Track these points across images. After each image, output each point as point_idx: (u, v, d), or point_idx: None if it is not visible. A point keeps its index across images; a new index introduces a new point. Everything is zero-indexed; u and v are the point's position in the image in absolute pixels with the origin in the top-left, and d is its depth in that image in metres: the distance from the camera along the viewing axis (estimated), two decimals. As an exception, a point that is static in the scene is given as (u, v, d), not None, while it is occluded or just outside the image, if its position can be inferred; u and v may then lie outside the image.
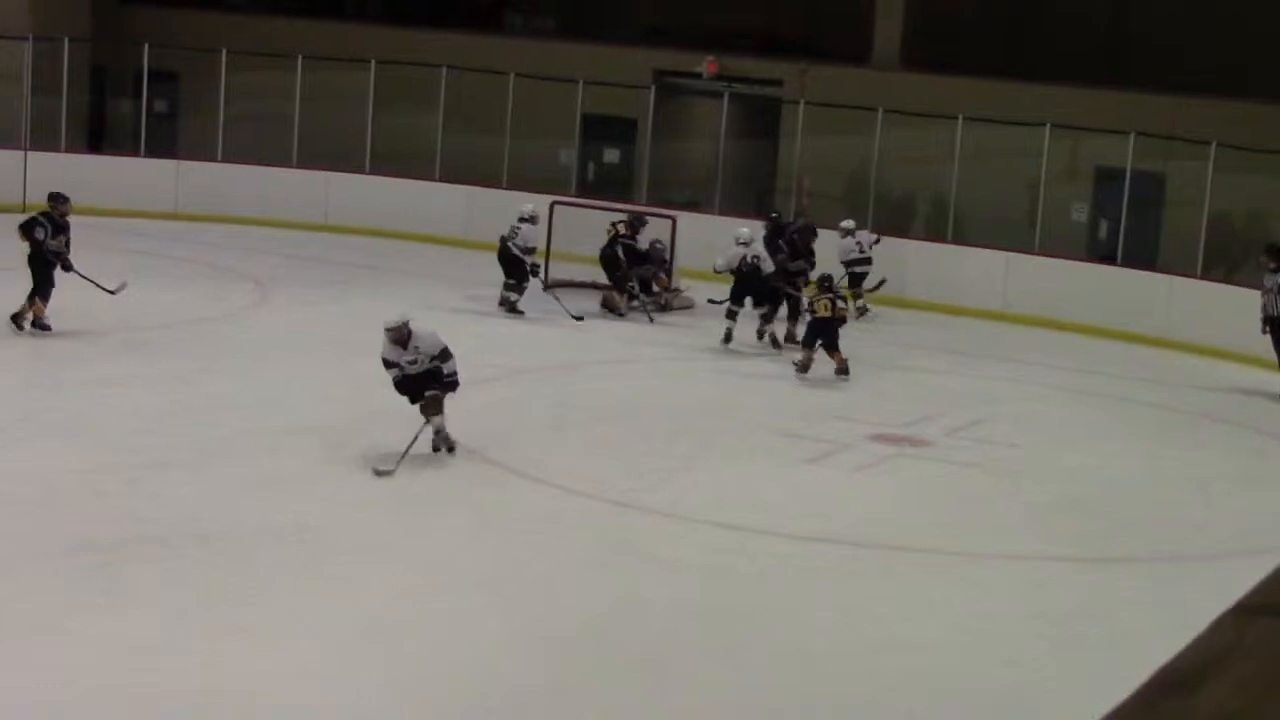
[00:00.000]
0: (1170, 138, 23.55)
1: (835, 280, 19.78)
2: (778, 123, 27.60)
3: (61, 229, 19.05)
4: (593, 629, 11.63)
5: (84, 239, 21.52)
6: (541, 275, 22.22)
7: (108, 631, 10.95)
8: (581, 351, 20.34)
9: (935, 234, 25.06)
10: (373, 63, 28.13)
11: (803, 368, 19.21)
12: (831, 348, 19.15)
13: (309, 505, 13.74)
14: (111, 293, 19.14)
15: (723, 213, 26.25)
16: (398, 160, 27.66)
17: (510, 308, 21.73)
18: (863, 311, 22.73)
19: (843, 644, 11.74)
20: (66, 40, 27.80)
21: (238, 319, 20.37)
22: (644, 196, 27.01)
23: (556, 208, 23.77)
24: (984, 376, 20.68)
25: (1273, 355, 20.17)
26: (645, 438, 16.63)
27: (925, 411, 18.36)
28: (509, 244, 21.76)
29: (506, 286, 21.80)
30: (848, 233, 23.25)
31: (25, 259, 18.94)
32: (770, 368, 20.21)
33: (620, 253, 22.35)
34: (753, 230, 21.44)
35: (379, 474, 14.54)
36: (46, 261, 18.79)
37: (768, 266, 20.80)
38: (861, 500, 15.19)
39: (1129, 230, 24.01)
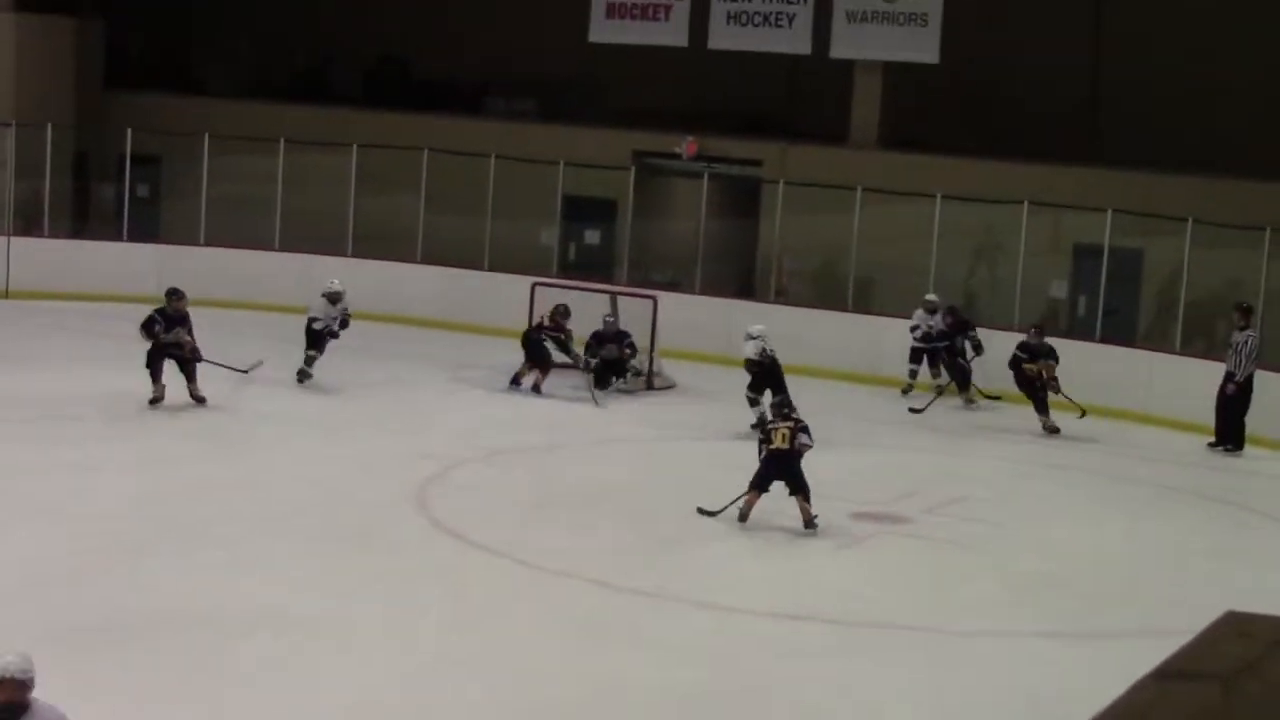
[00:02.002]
0: (1147, 214, 23.69)
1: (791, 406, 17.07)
2: (757, 202, 27.71)
3: (177, 321, 19.97)
4: (575, 712, 11.61)
5: (66, 324, 21.68)
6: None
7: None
8: (564, 432, 20.37)
9: (912, 311, 25.10)
10: (354, 146, 28.24)
11: (742, 516, 16.22)
12: (796, 489, 16.20)
13: (287, 588, 13.73)
14: (245, 372, 19.84)
15: (703, 292, 26.34)
16: (379, 242, 27.74)
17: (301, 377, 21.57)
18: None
19: (824, 723, 11.74)
20: (50, 126, 27.90)
21: (219, 402, 20.36)
22: (625, 276, 27.10)
23: (537, 289, 23.84)
24: (965, 454, 20.72)
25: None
26: (627, 518, 16.64)
27: (906, 489, 18.40)
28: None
29: (306, 360, 21.65)
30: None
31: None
32: (750, 448, 20.20)
33: (549, 343, 22.26)
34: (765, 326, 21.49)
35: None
36: (158, 353, 19.79)
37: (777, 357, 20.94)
38: (843, 579, 15.21)
39: (1108, 305, 24.14)
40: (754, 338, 20.95)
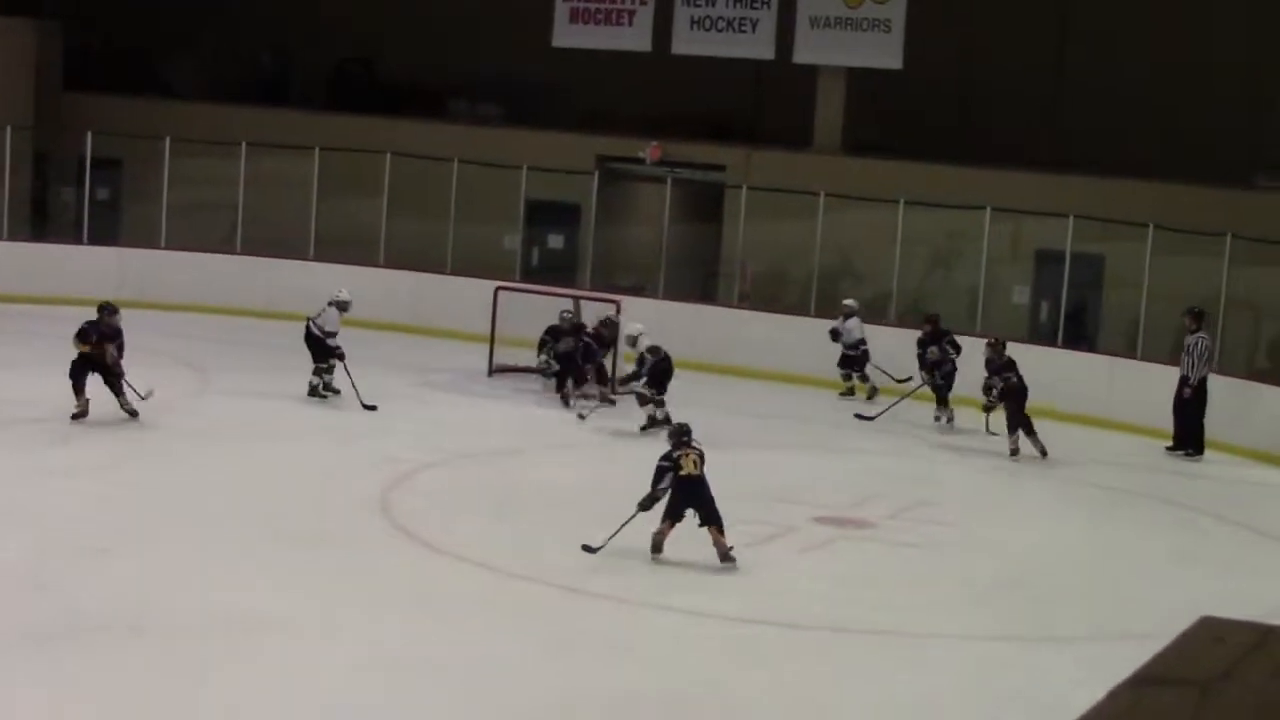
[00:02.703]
0: (1109, 220, 23.78)
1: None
2: (721, 207, 27.73)
3: (109, 337, 19.16)
4: (538, 716, 11.59)
5: (25, 327, 21.55)
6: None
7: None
8: (526, 436, 20.35)
9: (877, 317, 25.18)
10: (316, 149, 28.18)
11: (655, 548, 15.18)
12: (709, 519, 15.13)
13: (249, 593, 13.67)
14: (143, 398, 19.10)
15: (667, 297, 26.35)
16: (342, 246, 27.68)
17: (314, 391, 21.24)
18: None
19: (786, 727, 11.75)
20: (9, 128, 27.77)
21: (179, 406, 20.28)
22: (588, 281, 27.09)
23: (500, 294, 23.82)
24: (926, 458, 20.76)
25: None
26: (589, 523, 16.60)
27: (867, 493, 18.43)
28: (312, 324, 21.53)
29: (315, 371, 21.36)
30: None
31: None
32: (712, 454, 20.22)
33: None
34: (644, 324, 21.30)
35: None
36: (81, 366, 19.00)
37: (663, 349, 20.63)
38: (805, 582, 15.21)
39: (1069, 311, 24.24)
40: (634, 335, 20.91)
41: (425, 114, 30.86)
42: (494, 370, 23.33)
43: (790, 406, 22.98)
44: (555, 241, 28.94)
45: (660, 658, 12.85)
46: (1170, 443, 21.56)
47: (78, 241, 28.52)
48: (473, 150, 27.80)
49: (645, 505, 15.16)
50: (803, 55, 27.74)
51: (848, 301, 23.84)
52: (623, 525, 14.98)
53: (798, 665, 12.96)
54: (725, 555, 15.02)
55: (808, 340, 24.79)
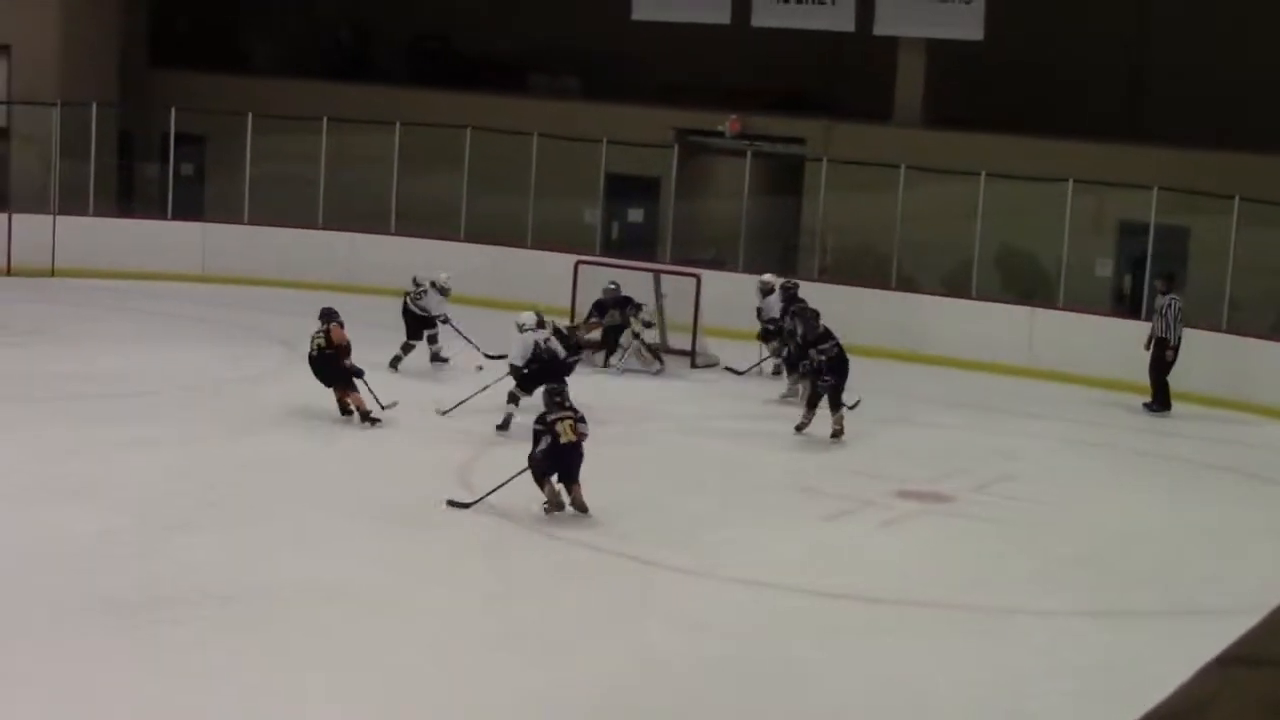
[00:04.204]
0: (1193, 192, 23.55)
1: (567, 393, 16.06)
2: (800, 180, 27.66)
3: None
4: (615, 688, 11.65)
5: (111, 303, 21.80)
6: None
7: (134, 694, 11.01)
8: (606, 409, 20.35)
9: (959, 290, 25.08)
10: (397, 124, 28.28)
11: (556, 506, 15.32)
12: (569, 478, 15.33)
13: (330, 566, 13.80)
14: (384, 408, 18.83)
15: (746, 270, 26.30)
16: (423, 221, 27.78)
17: (394, 363, 21.21)
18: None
19: (866, 701, 11.75)
20: (94, 105, 28.01)
21: (263, 380, 20.47)
22: (668, 255, 27.09)
23: (581, 267, 23.87)
24: (1007, 432, 20.68)
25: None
26: (668, 495, 16.66)
27: (948, 467, 18.37)
28: (411, 302, 21.55)
29: (404, 346, 21.36)
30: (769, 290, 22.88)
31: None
32: (789, 426, 20.23)
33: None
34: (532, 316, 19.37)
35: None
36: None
37: (562, 350, 19.02)
38: (885, 556, 15.21)
39: (1152, 284, 24.05)
40: (528, 329, 18.98)
41: (505, 88, 30.92)
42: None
43: (871, 380, 22.86)
44: (635, 215, 28.94)
45: (738, 631, 12.87)
46: (1148, 399, 21.83)
47: (162, 217, 28.74)
48: (552, 124, 27.83)
49: (531, 467, 15.22)
50: (883, 27, 27.60)
51: (765, 277, 23.31)
52: (502, 484, 15.15)
53: (877, 640, 12.96)
54: (583, 507, 15.27)
55: (889, 314, 24.74)
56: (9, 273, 26.80)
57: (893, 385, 22.61)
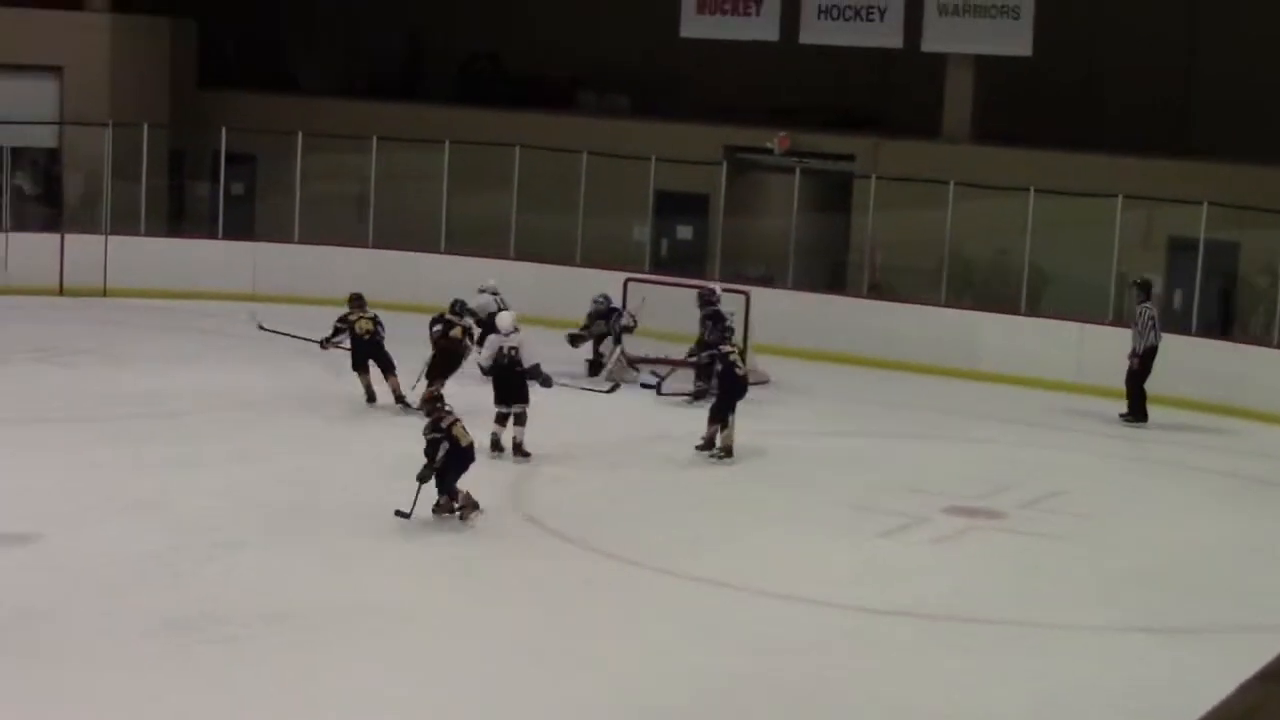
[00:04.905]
0: (1243, 207, 23.43)
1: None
2: (849, 197, 27.63)
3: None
4: (663, 706, 11.65)
5: (162, 322, 21.94)
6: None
7: (183, 713, 11.06)
8: (652, 426, 20.36)
9: (1009, 305, 25.01)
10: (447, 143, 28.36)
11: (465, 514, 15.49)
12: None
13: (381, 582, 13.86)
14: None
15: (796, 287, 26.30)
16: (473, 239, 27.85)
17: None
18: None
19: (919, 718, 11.71)
20: (145, 126, 28.18)
21: (312, 399, 20.53)
22: (717, 272, 27.09)
23: (630, 284, 23.88)
24: (1058, 447, 20.59)
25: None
26: (718, 513, 16.66)
27: (999, 483, 18.32)
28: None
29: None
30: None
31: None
32: (841, 443, 20.22)
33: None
34: (513, 317, 19.19)
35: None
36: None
37: (530, 358, 18.59)
38: (937, 573, 15.16)
39: (1203, 299, 23.93)
40: (502, 334, 18.79)
41: (554, 106, 31.00)
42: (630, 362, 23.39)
43: (920, 396, 22.87)
44: (684, 232, 28.94)
45: (791, 648, 12.85)
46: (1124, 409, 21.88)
47: (212, 236, 28.89)
48: (601, 142, 27.87)
49: (424, 478, 15.23)
50: (931, 43, 27.58)
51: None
52: (415, 496, 15.14)
53: (929, 657, 12.92)
54: (474, 507, 15.45)
55: (938, 330, 24.69)
56: (62, 292, 26.97)
57: (942, 401, 22.59)
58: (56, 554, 14.18)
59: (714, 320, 21.08)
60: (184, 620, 12.60)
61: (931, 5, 27.43)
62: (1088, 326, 23.74)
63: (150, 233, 28.30)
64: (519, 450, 18.12)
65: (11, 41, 29.38)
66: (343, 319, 20.53)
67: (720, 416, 18.82)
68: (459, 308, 20.96)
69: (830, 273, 27.82)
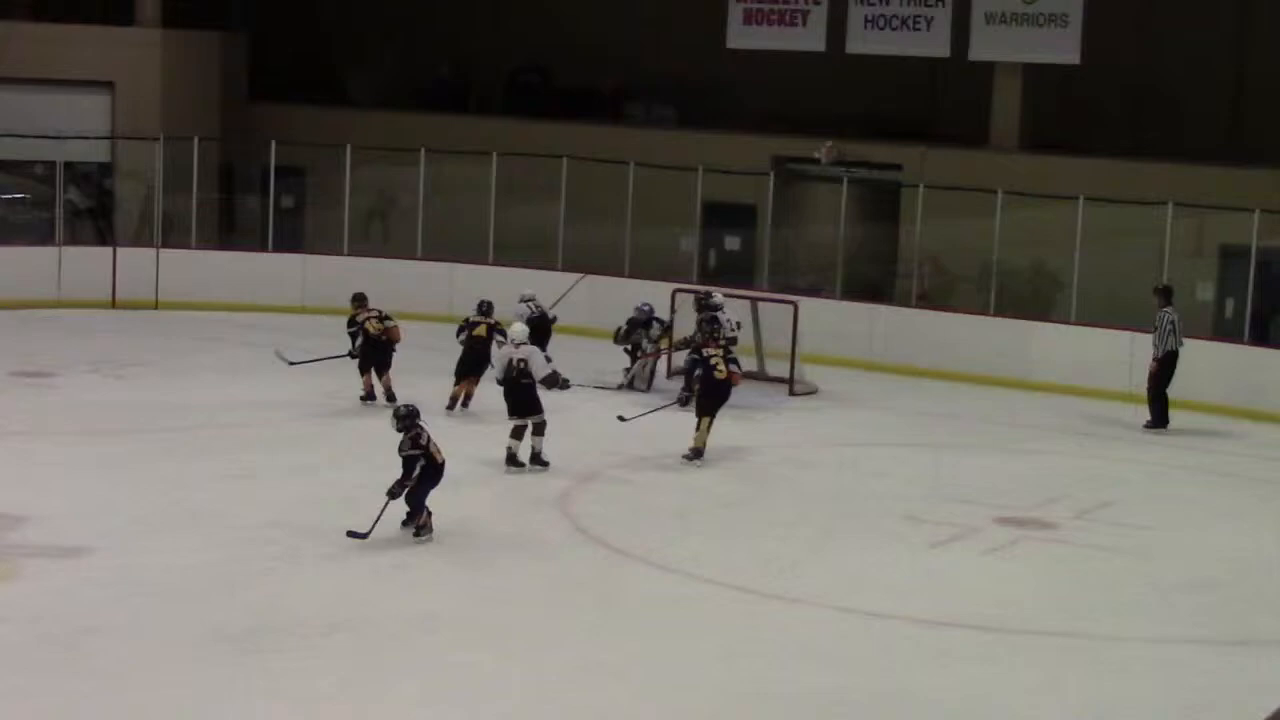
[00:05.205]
0: (1295, 215, 23.35)
1: None
2: (897, 206, 27.61)
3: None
4: (718, 718, 11.67)
5: (213, 334, 22.06)
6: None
7: (243, 722, 11.15)
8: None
9: (1058, 315, 24.93)
10: (494, 155, 28.44)
11: (426, 529, 15.39)
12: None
13: (438, 596, 13.92)
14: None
15: (844, 297, 26.29)
16: (520, 250, 27.92)
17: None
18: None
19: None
20: (196, 140, 28.35)
21: (364, 412, 20.61)
22: (765, 282, 27.09)
23: (678, 294, 23.90)
24: (1109, 457, 20.52)
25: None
26: (769, 524, 16.67)
27: (1051, 493, 18.27)
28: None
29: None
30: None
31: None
32: (891, 454, 20.20)
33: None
34: (521, 330, 19.02)
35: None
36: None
37: (539, 369, 18.32)
38: (990, 584, 15.14)
39: (1255, 307, 23.83)
40: (510, 344, 18.67)
41: (601, 118, 31.06)
42: (672, 373, 23.41)
43: (970, 406, 22.85)
44: (732, 243, 28.95)
45: (844, 660, 12.85)
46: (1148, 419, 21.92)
47: (263, 249, 29.03)
48: (648, 153, 27.90)
49: (395, 493, 15.15)
50: (978, 52, 27.56)
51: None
52: (380, 513, 15.03)
53: (981, 668, 12.89)
54: (427, 533, 15.27)
55: (987, 339, 24.65)
56: (114, 305, 27.17)
57: (993, 411, 22.56)
58: (113, 567, 14.27)
59: (711, 324, 21.09)
60: (242, 632, 12.67)
61: (979, 14, 27.41)
62: (1139, 335, 23.65)
63: (201, 245, 28.50)
64: (536, 459, 18.12)
65: (64, 57, 29.66)
66: (352, 321, 21.03)
67: (699, 418, 18.95)
68: (485, 308, 21.20)
69: (879, 282, 27.80)
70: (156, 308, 27.12)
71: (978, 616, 14.01)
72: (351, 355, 21.00)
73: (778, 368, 23.30)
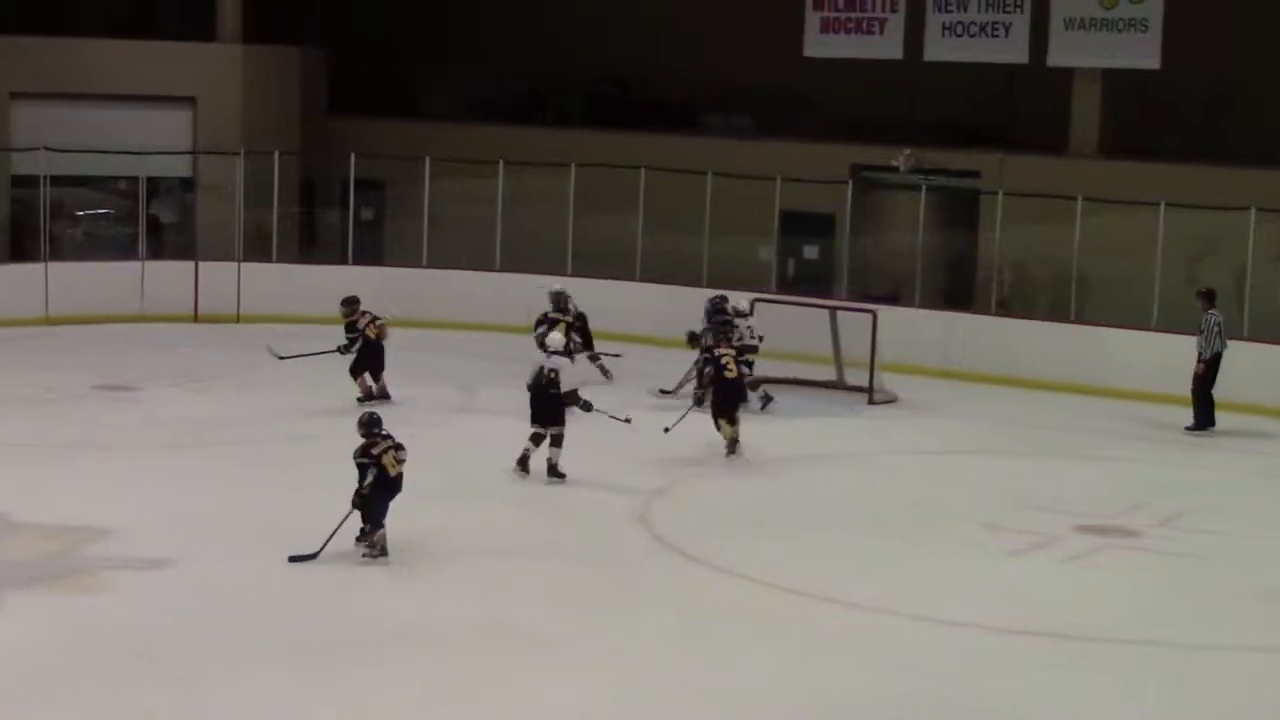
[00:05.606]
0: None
1: None
2: (976, 213, 27.51)
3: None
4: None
5: (295, 346, 22.17)
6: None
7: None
8: (782, 446, 20.35)
9: (1139, 321, 24.76)
10: (572, 166, 28.52)
11: (382, 551, 15.00)
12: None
13: (513, 605, 13.97)
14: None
15: (923, 305, 26.20)
16: (599, 261, 27.97)
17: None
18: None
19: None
20: (276, 154, 28.58)
21: (443, 423, 20.72)
22: (844, 291, 27.04)
23: (757, 304, 23.86)
24: (1191, 464, 20.38)
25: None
26: (845, 532, 16.63)
27: (1131, 501, 18.15)
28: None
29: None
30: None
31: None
32: (970, 462, 20.13)
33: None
34: (558, 339, 19.16)
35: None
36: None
37: (568, 382, 18.16)
38: (1069, 592, 15.05)
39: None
40: (550, 350, 18.59)
41: (678, 128, 31.08)
42: (752, 382, 23.39)
43: (1050, 414, 22.71)
44: (810, 252, 28.92)
45: (923, 668, 12.81)
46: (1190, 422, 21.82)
47: (343, 262, 29.21)
48: (726, 163, 27.91)
49: (356, 504, 14.93)
50: (1057, 58, 27.44)
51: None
52: (336, 528, 14.87)
53: (1063, 677, 12.82)
54: (381, 551, 14.91)
55: (1068, 346, 24.50)
56: (196, 319, 27.43)
57: (1073, 418, 22.43)
58: (194, 579, 14.38)
59: (722, 326, 21.08)
60: (322, 644, 12.76)
61: (1057, 19, 27.30)
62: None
63: (282, 259, 28.70)
64: (553, 471, 18.01)
65: (146, 74, 29.96)
66: (352, 326, 21.63)
67: (714, 418, 19.24)
68: (562, 304, 22.30)
69: (958, 290, 27.69)
70: (238, 321, 27.34)
71: (1056, 625, 13.93)
72: (342, 351, 21.56)
73: (856, 376, 23.24)
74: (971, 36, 28.00)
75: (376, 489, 14.89)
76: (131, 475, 17.94)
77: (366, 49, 33.38)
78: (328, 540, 14.84)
